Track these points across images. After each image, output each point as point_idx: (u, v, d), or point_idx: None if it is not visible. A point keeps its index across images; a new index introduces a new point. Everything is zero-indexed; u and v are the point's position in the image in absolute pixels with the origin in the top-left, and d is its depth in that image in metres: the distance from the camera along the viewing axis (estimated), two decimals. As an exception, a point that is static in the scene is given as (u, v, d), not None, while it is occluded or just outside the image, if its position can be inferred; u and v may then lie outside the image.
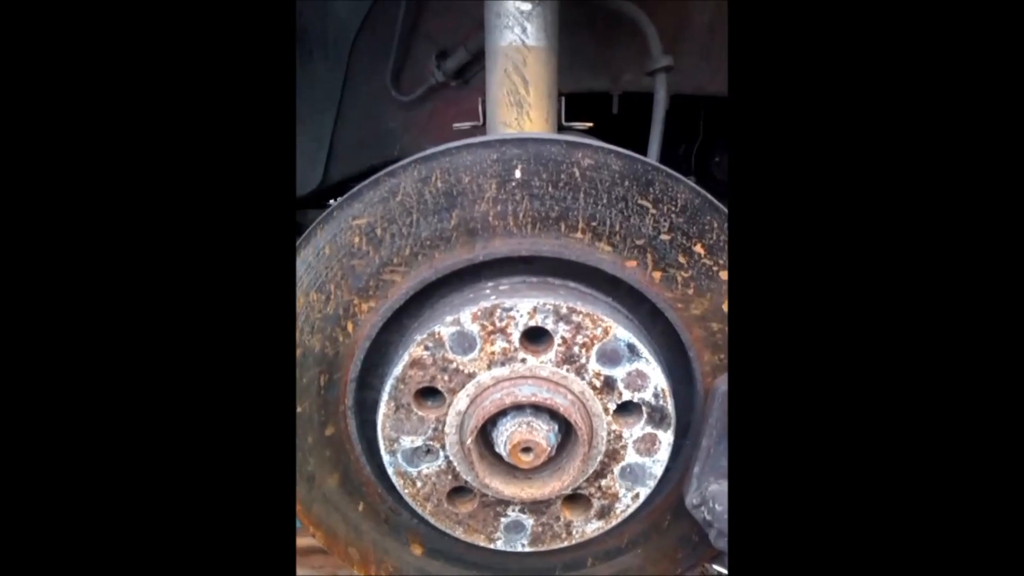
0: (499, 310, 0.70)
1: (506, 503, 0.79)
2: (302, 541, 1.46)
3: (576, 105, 1.18)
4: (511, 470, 0.76)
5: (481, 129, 1.10)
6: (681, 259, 0.75)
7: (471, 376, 0.72)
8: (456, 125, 1.15)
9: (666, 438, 0.76)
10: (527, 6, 0.97)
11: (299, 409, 0.79)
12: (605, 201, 0.72)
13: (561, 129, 1.06)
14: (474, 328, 0.71)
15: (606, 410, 0.74)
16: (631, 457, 0.77)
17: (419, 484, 0.77)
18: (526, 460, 0.72)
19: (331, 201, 2.07)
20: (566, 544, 0.82)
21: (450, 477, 0.77)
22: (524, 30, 0.97)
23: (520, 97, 0.99)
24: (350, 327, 0.76)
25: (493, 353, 0.71)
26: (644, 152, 1.12)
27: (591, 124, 1.12)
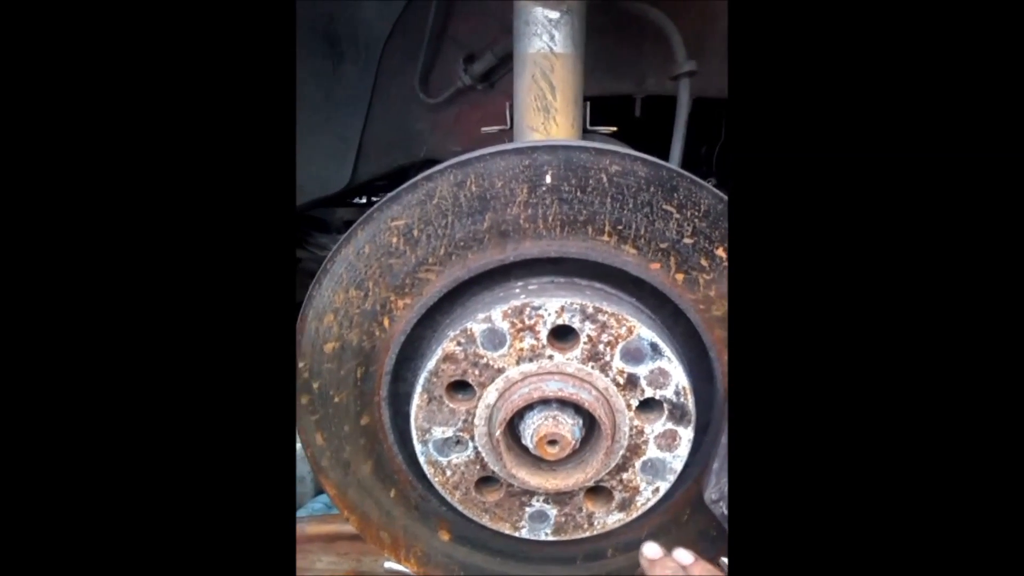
0: (528, 308, 0.74)
1: (531, 493, 0.83)
2: (328, 528, 1.51)
3: (598, 107, 1.21)
4: (537, 462, 0.79)
5: (508, 133, 1.13)
6: (703, 262, 0.77)
7: (500, 371, 0.76)
8: (484, 129, 1.18)
9: (686, 434, 0.79)
10: (555, 14, 1.00)
11: (336, 399, 0.84)
12: (631, 206, 0.75)
13: (586, 133, 1.09)
14: (504, 325, 0.74)
15: (629, 406, 0.77)
16: (652, 452, 0.80)
17: (449, 473, 0.81)
18: (552, 452, 0.75)
19: (356, 199, 2.12)
20: (588, 534, 0.85)
21: (478, 467, 0.81)
22: (552, 37, 1.00)
23: (547, 103, 1.02)
24: (386, 322, 0.80)
25: (522, 350, 0.75)
26: (666, 154, 1.14)
27: (615, 128, 1.15)
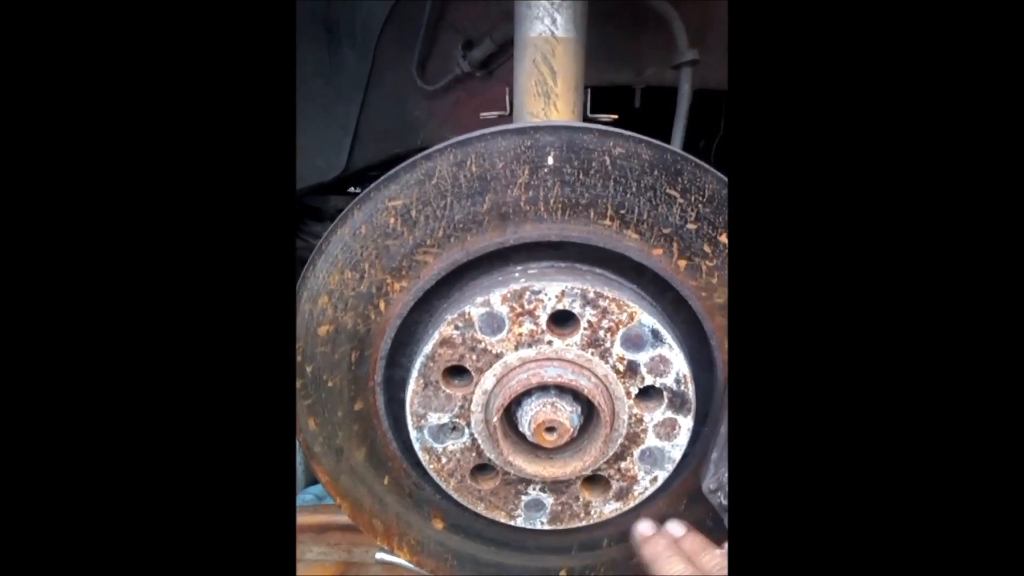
0: (528, 293, 0.72)
1: (527, 482, 0.82)
2: (318, 518, 1.49)
3: (597, 98, 1.20)
4: (534, 449, 0.78)
5: (508, 118, 1.11)
6: (706, 248, 0.76)
7: (498, 356, 0.74)
8: (483, 114, 1.16)
9: (686, 423, 0.78)
10: (558, -2, 0.98)
11: (330, 384, 0.82)
12: (634, 189, 0.74)
13: (586, 120, 1.08)
14: (503, 309, 0.73)
15: (628, 394, 0.76)
16: (651, 441, 0.79)
17: (444, 460, 0.80)
18: (550, 439, 0.74)
19: (351, 188, 2.10)
20: (584, 524, 0.84)
21: (474, 454, 0.79)
22: (554, 21, 0.99)
23: (548, 88, 1.01)
24: (382, 305, 0.78)
25: (521, 335, 0.74)
26: (666, 145, 1.13)
27: (616, 116, 1.14)
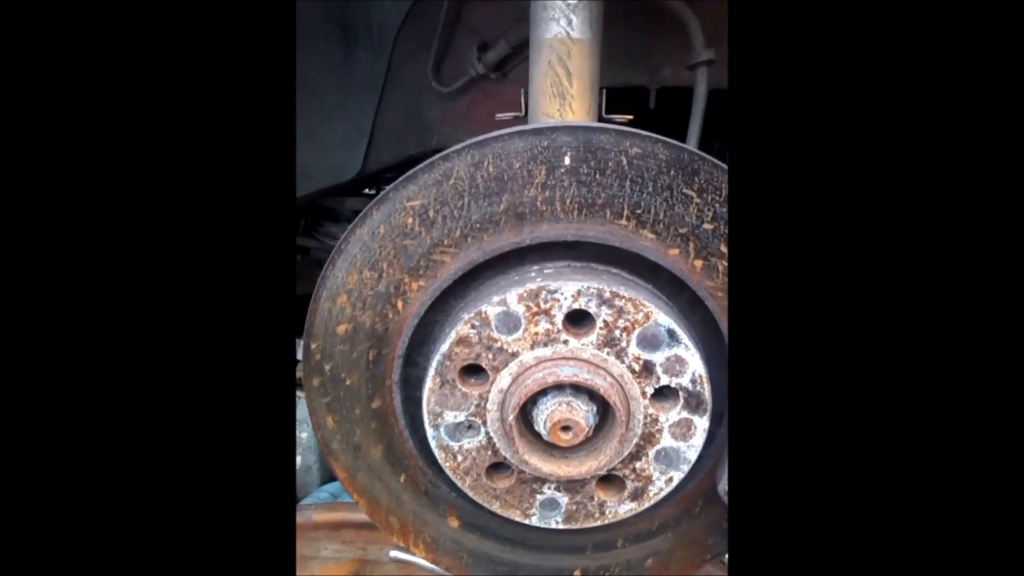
0: (544, 292, 0.73)
1: (542, 481, 0.82)
2: (334, 516, 1.51)
3: (612, 99, 1.20)
4: (549, 448, 0.78)
5: (523, 120, 1.12)
6: (723, 248, 0.76)
7: (514, 355, 0.75)
8: (499, 115, 1.17)
9: (701, 424, 0.78)
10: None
11: (348, 381, 0.83)
12: (651, 189, 0.74)
13: (601, 121, 1.08)
14: (520, 309, 0.73)
15: (644, 394, 0.76)
16: (666, 441, 0.78)
17: (460, 458, 0.80)
18: (565, 438, 0.74)
19: (366, 190, 2.12)
20: (598, 523, 0.84)
21: (490, 453, 0.80)
22: (570, 22, 0.99)
23: (563, 89, 1.01)
24: (400, 304, 0.79)
25: (537, 334, 0.74)
26: (682, 146, 1.13)
27: (631, 116, 1.14)
